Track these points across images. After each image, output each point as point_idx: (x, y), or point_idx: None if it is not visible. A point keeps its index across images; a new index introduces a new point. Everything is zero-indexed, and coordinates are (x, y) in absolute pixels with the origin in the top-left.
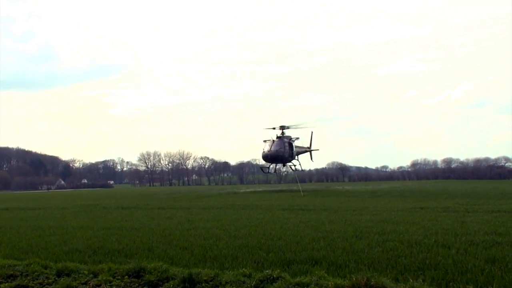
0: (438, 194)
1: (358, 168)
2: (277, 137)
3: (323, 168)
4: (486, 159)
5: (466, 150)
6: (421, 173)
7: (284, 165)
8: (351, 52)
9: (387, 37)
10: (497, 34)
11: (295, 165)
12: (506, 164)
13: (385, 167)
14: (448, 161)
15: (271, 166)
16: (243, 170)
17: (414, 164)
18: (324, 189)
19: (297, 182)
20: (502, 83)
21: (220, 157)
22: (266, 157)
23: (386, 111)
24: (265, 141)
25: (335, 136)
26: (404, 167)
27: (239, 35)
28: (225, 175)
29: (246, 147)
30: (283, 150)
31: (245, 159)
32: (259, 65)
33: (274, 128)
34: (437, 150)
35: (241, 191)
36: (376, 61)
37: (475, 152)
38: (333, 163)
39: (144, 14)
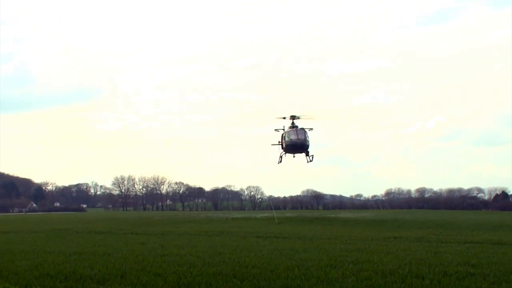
0: (411, 223)
1: (333, 196)
2: (294, 126)
3: (297, 195)
4: (459, 190)
5: (439, 180)
6: (395, 202)
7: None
8: (327, 81)
9: (362, 68)
10: (470, 67)
11: (312, 156)
12: (478, 195)
13: (359, 195)
14: (421, 191)
15: (284, 155)
16: (218, 196)
17: (388, 193)
18: (298, 217)
19: (271, 209)
20: (474, 116)
21: (194, 183)
22: (295, 145)
23: (361, 140)
24: (277, 130)
25: (310, 163)
26: (378, 196)
27: (215, 62)
28: (200, 200)
29: (221, 173)
30: (308, 139)
31: (220, 185)
32: (233, 92)
33: (284, 118)
34: (411, 179)
35: (215, 217)
36: (352, 90)
37: (448, 183)
38: (307, 190)
39: (122, 40)
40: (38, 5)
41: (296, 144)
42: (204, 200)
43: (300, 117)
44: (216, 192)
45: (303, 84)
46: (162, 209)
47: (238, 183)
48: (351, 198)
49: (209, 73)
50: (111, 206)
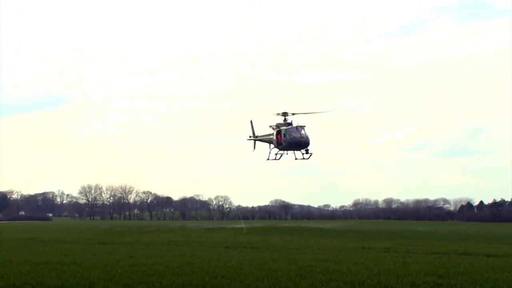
0: (379, 234)
1: (301, 206)
2: (289, 124)
3: (266, 205)
4: (426, 200)
5: (406, 191)
6: (363, 212)
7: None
8: (295, 91)
9: (331, 80)
10: (437, 80)
11: (311, 154)
12: (444, 206)
13: (327, 205)
14: (389, 202)
15: (283, 153)
16: (186, 206)
17: (356, 204)
18: (267, 227)
19: (239, 219)
20: (441, 128)
21: (163, 192)
22: (298, 143)
23: (329, 150)
24: (271, 126)
25: (279, 173)
26: (346, 206)
27: (186, 71)
28: (168, 210)
29: (190, 183)
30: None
31: (188, 194)
32: (203, 101)
33: (278, 114)
34: (379, 190)
35: (183, 226)
36: (320, 101)
37: (415, 193)
38: (276, 200)
39: (91, 47)
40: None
41: (300, 142)
42: (172, 209)
43: (295, 113)
44: (184, 201)
45: (273, 94)
46: (130, 219)
47: (206, 192)
48: (319, 209)
49: (178, 82)
50: (77, 215)
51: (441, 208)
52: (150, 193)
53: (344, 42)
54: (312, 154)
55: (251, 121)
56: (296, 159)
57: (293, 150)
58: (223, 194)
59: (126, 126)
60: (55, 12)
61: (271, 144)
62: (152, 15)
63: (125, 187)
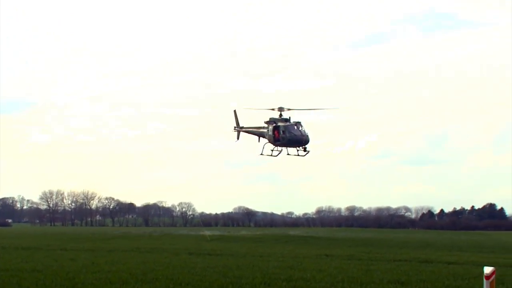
0: (342, 241)
1: (264, 214)
2: (286, 119)
3: (229, 212)
4: (387, 208)
5: (369, 199)
6: (325, 220)
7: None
8: (262, 99)
9: (295, 88)
10: (400, 89)
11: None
12: (406, 214)
13: (290, 213)
14: (351, 209)
15: (281, 150)
16: (149, 212)
17: (319, 211)
18: (230, 234)
19: (203, 226)
20: (403, 136)
21: (125, 198)
22: (299, 141)
23: (292, 157)
24: (268, 121)
25: (242, 180)
26: (309, 214)
27: (151, 76)
28: (130, 216)
29: (153, 189)
30: None
31: (151, 200)
32: (168, 107)
33: (273, 109)
34: (342, 198)
35: (146, 233)
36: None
37: (377, 201)
38: (239, 207)
39: (54, 51)
40: None
41: (300, 140)
42: (135, 216)
43: (290, 109)
44: (147, 208)
45: (239, 101)
46: (91, 225)
47: (169, 199)
48: (282, 216)
49: (144, 87)
50: (38, 221)
51: (402, 216)
52: (113, 199)
53: (310, 50)
54: (309, 152)
55: (234, 111)
56: (288, 154)
57: (291, 147)
58: (187, 201)
59: (88, 131)
60: (20, 11)
61: (260, 137)
62: (120, 20)
63: (87, 193)
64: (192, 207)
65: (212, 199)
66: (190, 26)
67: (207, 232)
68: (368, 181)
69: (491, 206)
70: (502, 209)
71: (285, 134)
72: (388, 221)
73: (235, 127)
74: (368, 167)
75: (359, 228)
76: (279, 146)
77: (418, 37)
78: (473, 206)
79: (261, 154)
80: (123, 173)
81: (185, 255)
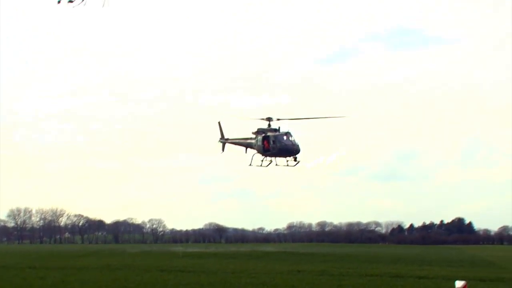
0: (314, 257)
1: (235, 230)
2: (275, 129)
3: (200, 228)
4: (358, 223)
5: (339, 214)
6: (297, 235)
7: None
8: (230, 115)
9: (264, 103)
10: (368, 104)
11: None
12: (377, 229)
13: (261, 228)
14: (322, 225)
15: (271, 160)
16: (119, 229)
17: (290, 227)
18: (201, 250)
19: (174, 242)
20: (373, 151)
21: (95, 215)
22: (290, 151)
23: (263, 173)
24: (257, 133)
25: (213, 196)
26: (280, 229)
27: (118, 92)
28: (100, 233)
29: (123, 206)
30: None
31: (121, 217)
32: (138, 123)
33: (262, 119)
34: (312, 213)
35: (116, 250)
36: (253, 125)
37: (348, 217)
38: (210, 224)
39: (20, 68)
40: None
41: (291, 150)
42: (105, 233)
43: (279, 119)
44: (117, 225)
45: (208, 117)
46: (60, 242)
47: (140, 215)
48: (253, 232)
49: (112, 103)
50: (5, 239)
51: (373, 231)
52: (82, 216)
53: (276, 66)
54: (299, 162)
55: (219, 123)
56: (277, 165)
57: (281, 157)
58: (157, 217)
59: (57, 148)
60: None
61: (247, 148)
62: (83, 38)
63: (56, 210)
64: (163, 224)
65: (183, 215)
66: (156, 41)
67: (179, 248)
68: (339, 196)
69: (460, 220)
70: (470, 223)
71: (276, 144)
72: (358, 236)
73: (220, 138)
74: (339, 183)
75: (330, 244)
76: (269, 156)
77: (385, 53)
78: (442, 221)
79: (250, 165)
80: (92, 189)
81: (157, 272)
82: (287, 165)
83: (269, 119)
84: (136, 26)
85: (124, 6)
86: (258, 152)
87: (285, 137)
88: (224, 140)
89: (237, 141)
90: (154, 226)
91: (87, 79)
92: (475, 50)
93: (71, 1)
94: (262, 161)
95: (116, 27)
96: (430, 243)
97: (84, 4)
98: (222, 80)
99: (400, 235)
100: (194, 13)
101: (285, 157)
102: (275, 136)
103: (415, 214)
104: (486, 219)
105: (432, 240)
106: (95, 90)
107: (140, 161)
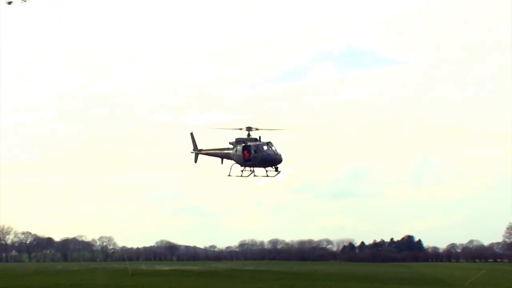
0: (266, 275)
1: (187, 247)
2: (255, 139)
3: (151, 246)
4: (310, 241)
5: (291, 232)
6: (248, 253)
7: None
8: (182, 132)
9: (217, 121)
10: (320, 123)
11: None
12: (328, 246)
13: (213, 246)
14: (274, 242)
15: (252, 170)
16: (68, 247)
17: (242, 244)
18: (152, 268)
19: (124, 260)
20: (324, 169)
21: (43, 233)
22: (272, 160)
23: (214, 190)
24: (237, 142)
25: (164, 213)
26: (232, 247)
27: (67, 109)
28: (48, 251)
29: (72, 223)
30: None
31: (71, 235)
32: (88, 140)
33: (241, 129)
34: (264, 231)
35: (65, 268)
36: (205, 143)
37: (299, 234)
38: (162, 241)
39: None
40: None
41: (274, 159)
42: (53, 251)
43: (258, 129)
44: (66, 242)
45: (159, 135)
46: (7, 261)
47: (89, 233)
48: (205, 249)
49: (61, 120)
50: None
51: (324, 249)
52: (30, 233)
53: (228, 85)
54: (280, 172)
55: (191, 133)
56: (255, 176)
57: (263, 167)
58: (107, 235)
59: (4, 163)
60: None
61: (224, 159)
62: (33, 52)
63: (3, 227)
64: (113, 241)
65: (134, 233)
66: (108, 58)
67: (129, 266)
68: (291, 214)
69: (409, 238)
70: (419, 241)
71: (257, 154)
72: (310, 253)
73: (193, 149)
74: (291, 200)
75: (282, 261)
76: (250, 167)
77: (337, 72)
78: (392, 238)
79: (229, 175)
80: (41, 206)
81: None
82: (267, 176)
83: (248, 129)
84: (90, 41)
85: (75, 18)
86: (237, 162)
87: (266, 147)
88: (197, 151)
89: (212, 151)
90: (104, 243)
91: (37, 94)
92: (424, 71)
93: (10, 3)
94: (242, 171)
95: (68, 41)
96: (380, 261)
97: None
98: (175, 98)
99: (351, 253)
100: (146, 30)
101: (267, 167)
102: (256, 146)
103: (366, 232)
104: (435, 236)
105: (383, 257)
106: (45, 106)
107: (90, 178)
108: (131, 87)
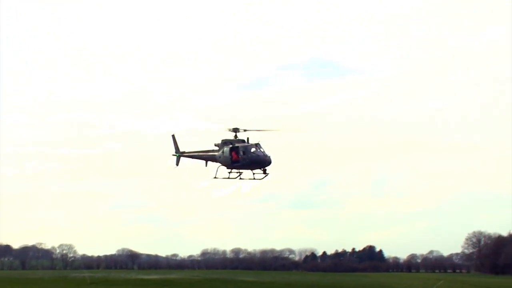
0: (228, 285)
1: (149, 256)
2: (242, 140)
3: (112, 254)
4: (272, 251)
5: (253, 241)
6: (211, 262)
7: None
8: (144, 141)
9: (182, 129)
10: (283, 134)
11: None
12: (290, 256)
13: (175, 255)
14: (236, 252)
15: (239, 172)
16: (27, 255)
17: (204, 253)
18: (112, 277)
19: (84, 269)
20: (287, 179)
21: (1, 240)
22: (262, 162)
23: (176, 198)
24: (224, 144)
25: (126, 221)
26: (194, 256)
27: (30, 114)
28: (6, 259)
29: (31, 230)
30: None
31: (30, 242)
32: (48, 147)
33: (229, 130)
34: (227, 240)
35: (23, 277)
36: (169, 151)
37: (262, 244)
38: (123, 249)
39: None
40: None
41: (263, 161)
42: (11, 258)
43: (246, 130)
44: (25, 250)
45: (122, 144)
46: None
47: (49, 240)
48: (167, 258)
49: (23, 126)
50: None
51: (286, 258)
52: None
53: (197, 92)
54: (268, 175)
55: (173, 136)
56: (241, 178)
57: (252, 169)
58: (68, 243)
59: None
60: None
61: (208, 161)
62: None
63: None
64: (73, 249)
65: (95, 240)
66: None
67: (86, 274)
68: (253, 223)
69: (371, 248)
70: (381, 251)
71: (246, 155)
72: (272, 263)
73: (175, 152)
74: (254, 210)
75: (244, 270)
76: (238, 169)
77: (302, 82)
78: (354, 249)
79: (215, 177)
80: None
81: None
82: (254, 178)
83: (235, 130)
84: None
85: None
86: (224, 164)
87: (254, 148)
88: (179, 153)
89: (195, 154)
90: (64, 251)
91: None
92: (388, 82)
93: None
94: (229, 173)
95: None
96: (342, 271)
97: None
98: (143, 105)
99: (313, 262)
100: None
101: (255, 169)
102: (244, 147)
103: (328, 242)
104: (395, 247)
105: (344, 267)
106: (6, 112)
107: (50, 185)
108: (92, 93)
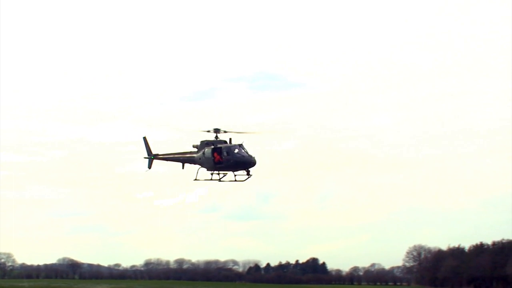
0: None
1: (90, 265)
2: (222, 141)
3: (53, 263)
4: (216, 262)
5: (197, 252)
6: (154, 272)
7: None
8: (89, 149)
9: (125, 139)
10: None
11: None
12: (234, 267)
13: (118, 265)
14: (180, 262)
15: (222, 174)
16: None
17: (147, 263)
18: (53, 287)
19: (24, 278)
20: (231, 191)
21: None
22: (247, 163)
23: (119, 207)
24: (206, 145)
25: (67, 230)
26: (137, 266)
27: None
28: None
29: None
30: None
31: None
32: None
33: (208, 131)
34: (171, 250)
35: None
36: (113, 160)
37: (206, 254)
38: (64, 259)
39: None
40: None
41: (249, 162)
42: None
43: (226, 131)
44: None
45: (64, 151)
46: None
47: None
48: (109, 268)
49: None
50: None
51: (230, 270)
52: None
53: (141, 103)
54: (251, 176)
55: (144, 138)
56: (220, 180)
57: (235, 170)
58: (6, 251)
59: None
60: None
61: (185, 164)
62: None
63: None
64: (12, 258)
65: (35, 249)
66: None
67: (25, 284)
68: (197, 234)
69: (314, 260)
70: (324, 263)
71: (230, 156)
72: (216, 274)
73: (148, 155)
74: (198, 220)
75: (188, 281)
76: (220, 170)
77: (248, 94)
78: (297, 261)
79: (196, 179)
80: None
81: None
82: (236, 180)
83: (216, 131)
84: None
85: None
86: (204, 166)
87: (237, 149)
88: (152, 156)
89: (171, 156)
90: (3, 260)
91: None
92: (332, 97)
93: None
94: (212, 174)
95: None
96: (285, 282)
97: None
98: (84, 113)
99: (257, 274)
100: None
101: (239, 170)
102: (228, 148)
103: (272, 254)
104: (338, 259)
105: (288, 279)
106: None
107: None
108: (36, 99)
